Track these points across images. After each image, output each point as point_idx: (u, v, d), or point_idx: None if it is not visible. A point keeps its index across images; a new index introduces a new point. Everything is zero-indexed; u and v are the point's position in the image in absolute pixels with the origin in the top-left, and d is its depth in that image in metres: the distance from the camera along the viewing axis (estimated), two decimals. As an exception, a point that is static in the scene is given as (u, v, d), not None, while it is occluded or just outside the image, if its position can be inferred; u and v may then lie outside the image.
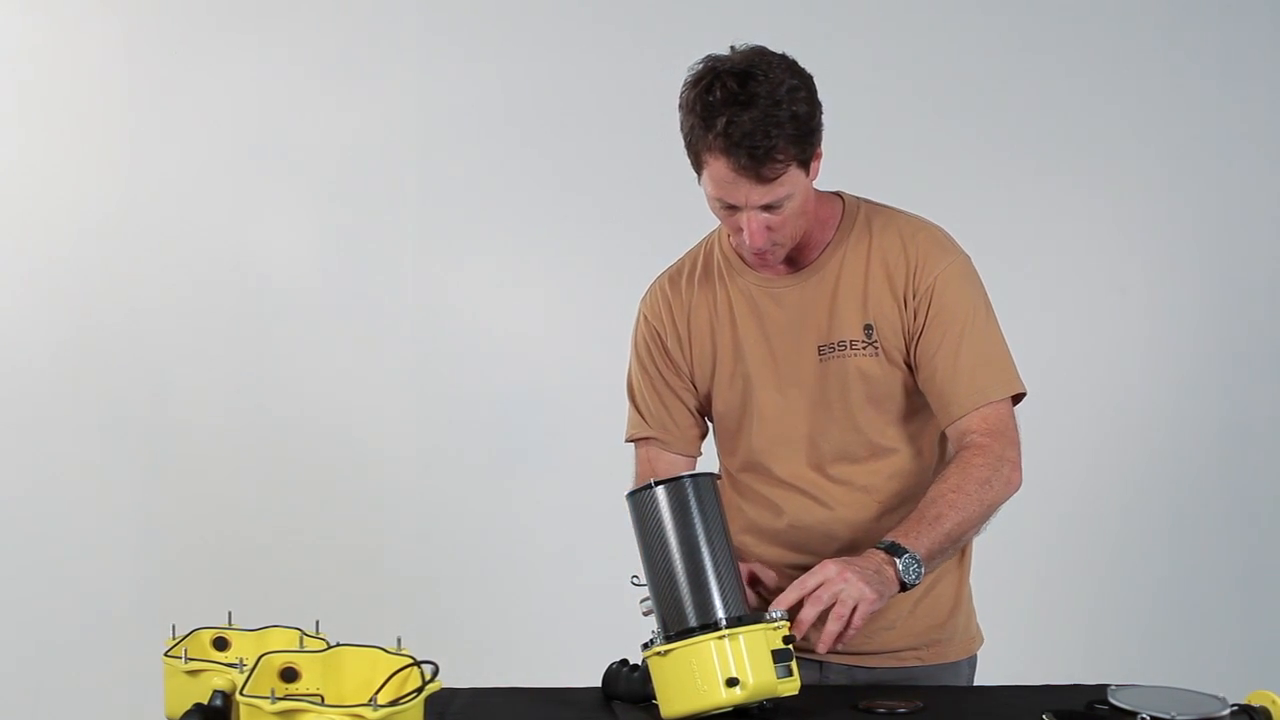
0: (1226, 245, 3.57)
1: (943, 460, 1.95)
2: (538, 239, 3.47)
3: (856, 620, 1.64)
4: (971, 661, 2.02)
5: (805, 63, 3.48)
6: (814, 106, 1.77)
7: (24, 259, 3.41)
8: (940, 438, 1.95)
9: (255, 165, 3.43)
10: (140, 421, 3.42)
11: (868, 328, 1.89)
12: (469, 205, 3.45)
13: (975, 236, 3.53)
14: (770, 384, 1.92)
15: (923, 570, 1.71)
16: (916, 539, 1.73)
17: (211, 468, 3.43)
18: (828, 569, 1.66)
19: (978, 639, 2.05)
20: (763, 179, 1.73)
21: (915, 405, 1.93)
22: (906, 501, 1.89)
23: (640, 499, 1.63)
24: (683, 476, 1.63)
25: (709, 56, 1.77)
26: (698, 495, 1.62)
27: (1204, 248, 3.56)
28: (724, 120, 1.70)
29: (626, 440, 2.06)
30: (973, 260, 2.01)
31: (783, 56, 1.77)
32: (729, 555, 1.62)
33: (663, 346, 2.00)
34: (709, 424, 2.05)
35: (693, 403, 2.01)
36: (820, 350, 1.89)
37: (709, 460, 2.07)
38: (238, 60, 3.42)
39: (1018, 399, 1.89)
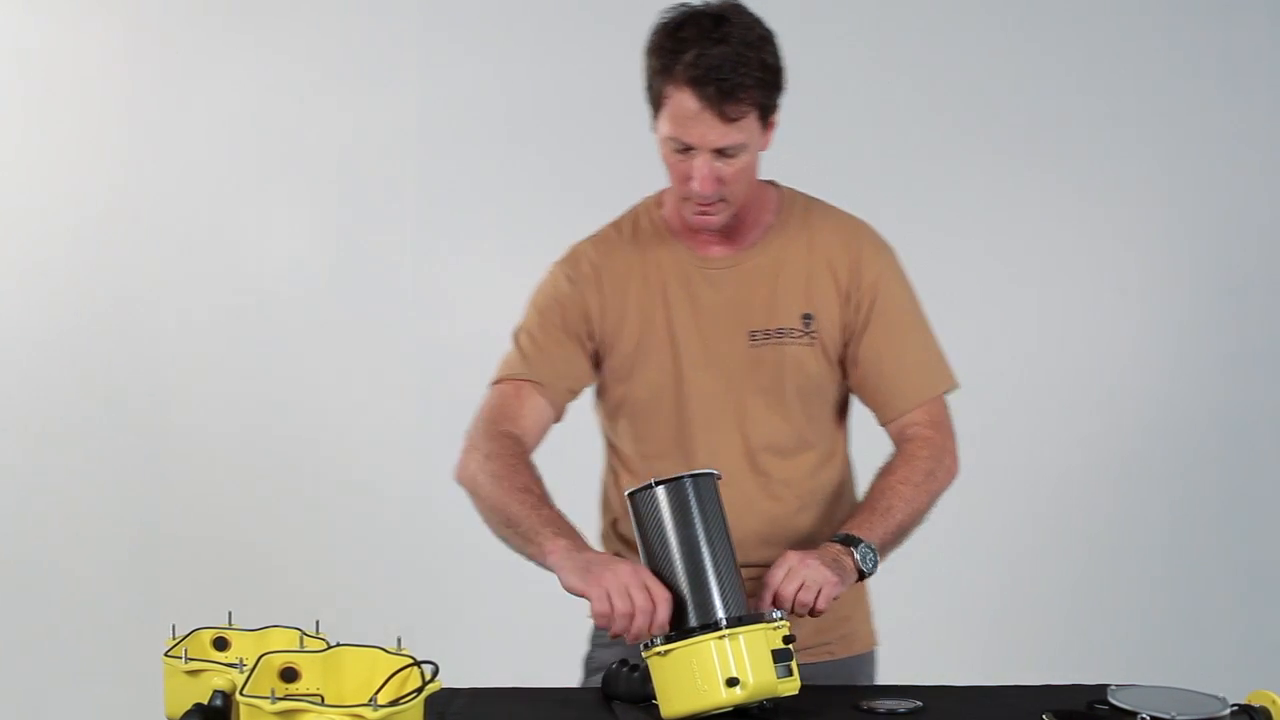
0: (1227, 246, 3.56)
1: (849, 463, 1.99)
2: (538, 239, 3.42)
3: (821, 604, 1.67)
4: (875, 654, 2.04)
5: (807, 63, 3.48)
6: (781, 64, 1.78)
7: (23, 258, 3.41)
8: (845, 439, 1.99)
9: (255, 165, 3.43)
10: (139, 421, 3.42)
11: (806, 317, 1.89)
12: (469, 205, 3.45)
13: (975, 237, 3.57)
14: (700, 366, 1.89)
15: (879, 559, 1.75)
16: (870, 530, 1.76)
17: (211, 467, 3.43)
18: (789, 558, 1.69)
19: (875, 633, 2.06)
20: (725, 117, 1.72)
21: (842, 404, 1.95)
22: (823, 501, 1.92)
23: (640, 499, 1.63)
24: (683, 476, 1.62)
25: (681, 4, 1.78)
26: (698, 495, 1.61)
27: (1204, 249, 3.56)
28: (695, 52, 1.71)
29: (494, 382, 1.94)
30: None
31: (756, 15, 1.79)
32: (729, 555, 1.62)
33: (583, 312, 1.91)
34: (573, 397, 1.95)
35: (584, 366, 1.92)
36: (753, 336, 1.88)
37: (576, 432, 1.98)
38: (237, 60, 3.42)
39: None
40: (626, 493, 1.65)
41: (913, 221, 3.44)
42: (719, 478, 1.66)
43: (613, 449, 2.00)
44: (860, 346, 1.90)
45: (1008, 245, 3.52)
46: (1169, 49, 3.53)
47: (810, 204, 1.96)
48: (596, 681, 1.96)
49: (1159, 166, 3.54)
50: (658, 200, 1.97)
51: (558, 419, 1.92)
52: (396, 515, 3.43)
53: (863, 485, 2.02)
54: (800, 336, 1.88)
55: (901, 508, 1.80)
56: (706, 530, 1.60)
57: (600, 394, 1.97)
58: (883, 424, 1.93)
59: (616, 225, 1.98)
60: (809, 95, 3.40)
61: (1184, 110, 3.53)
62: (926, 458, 1.85)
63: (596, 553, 1.69)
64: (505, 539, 1.79)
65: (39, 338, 3.41)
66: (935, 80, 3.49)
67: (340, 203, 3.45)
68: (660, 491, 1.61)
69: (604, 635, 2.00)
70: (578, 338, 1.91)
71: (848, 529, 1.77)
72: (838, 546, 1.74)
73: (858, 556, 1.73)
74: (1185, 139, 3.53)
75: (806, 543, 1.83)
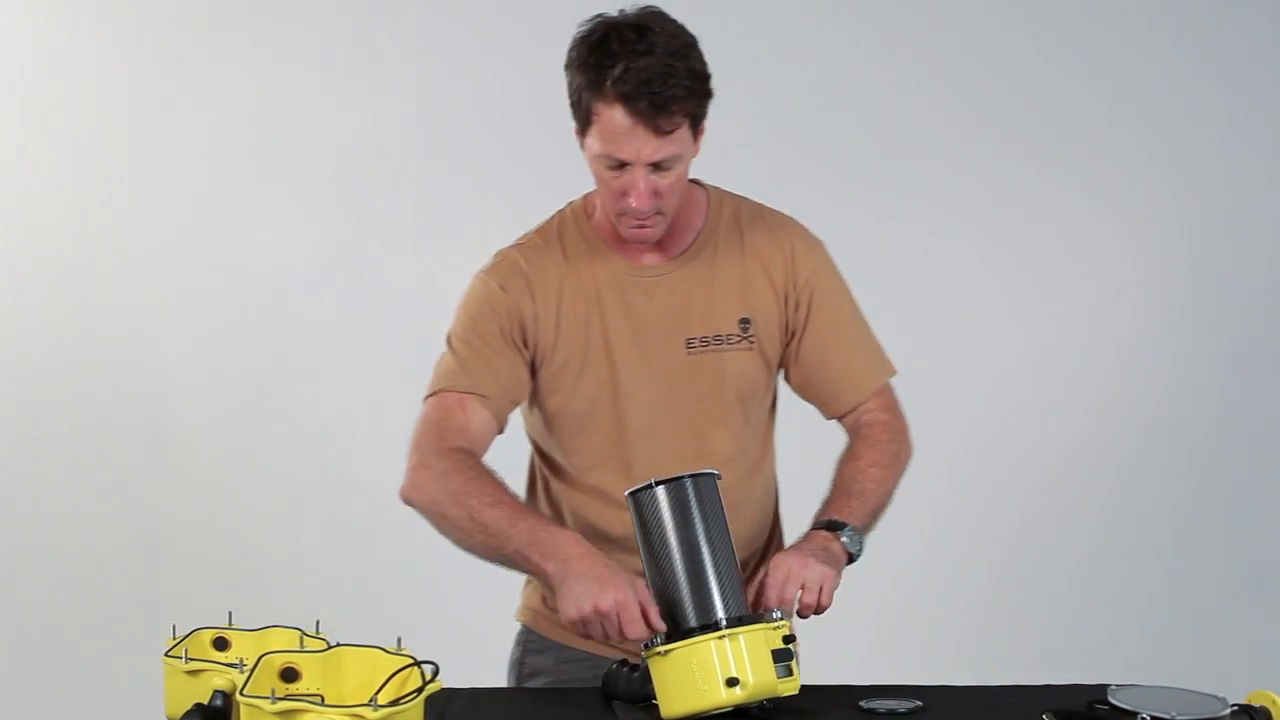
0: (1226, 246, 3.56)
1: (775, 467, 1.99)
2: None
3: (825, 600, 1.68)
4: None
5: (807, 64, 3.49)
6: (708, 70, 1.74)
7: (21, 260, 3.40)
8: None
9: (254, 165, 3.42)
10: (140, 421, 3.42)
11: (744, 321, 1.88)
12: (469, 205, 3.45)
13: (972, 238, 3.56)
14: (637, 376, 1.86)
15: (864, 542, 1.76)
16: (850, 513, 1.77)
17: (211, 467, 3.43)
18: (786, 561, 1.68)
19: None
20: (659, 130, 1.69)
21: (773, 408, 1.96)
22: (756, 506, 1.92)
23: (641, 498, 1.62)
24: (683, 476, 1.62)
25: (598, 15, 1.74)
26: (698, 495, 1.61)
27: (1204, 249, 3.56)
28: (622, 67, 1.67)
29: (431, 394, 1.85)
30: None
31: (678, 22, 1.75)
32: (730, 555, 1.62)
33: (519, 319, 1.85)
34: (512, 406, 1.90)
35: (524, 375, 1.86)
36: (689, 343, 1.86)
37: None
38: (237, 60, 3.41)
39: None
40: (627, 493, 1.64)
41: (913, 221, 3.46)
42: (719, 477, 1.66)
43: (543, 458, 1.96)
44: (803, 344, 1.90)
45: (1005, 246, 3.52)
46: (1169, 49, 3.53)
47: (738, 204, 1.94)
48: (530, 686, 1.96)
49: (1159, 166, 3.54)
50: (585, 207, 1.93)
51: (500, 431, 1.86)
52: (397, 515, 3.40)
53: (784, 488, 2.03)
54: (738, 341, 1.87)
55: (874, 490, 1.82)
56: (707, 530, 1.60)
57: (531, 403, 1.92)
58: (832, 417, 1.94)
59: (542, 233, 1.93)
60: (803, 97, 3.43)
61: (1184, 110, 3.53)
62: (889, 440, 1.88)
63: (589, 565, 1.63)
64: (485, 557, 1.74)
65: (38, 339, 3.40)
66: (934, 80, 3.49)
67: (340, 203, 3.45)
68: (660, 492, 1.61)
69: (535, 640, 1.99)
70: (515, 345, 1.85)
71: (828, 515, 1.77)
72: (823, 534, 1.75)
73: (845, 540, 1.74)
74: (1185, 139, 3.53)
75: (739, 550, 1.79)
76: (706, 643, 1.53)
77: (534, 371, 1.88)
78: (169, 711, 1.56)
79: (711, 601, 1.57)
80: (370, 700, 1.35)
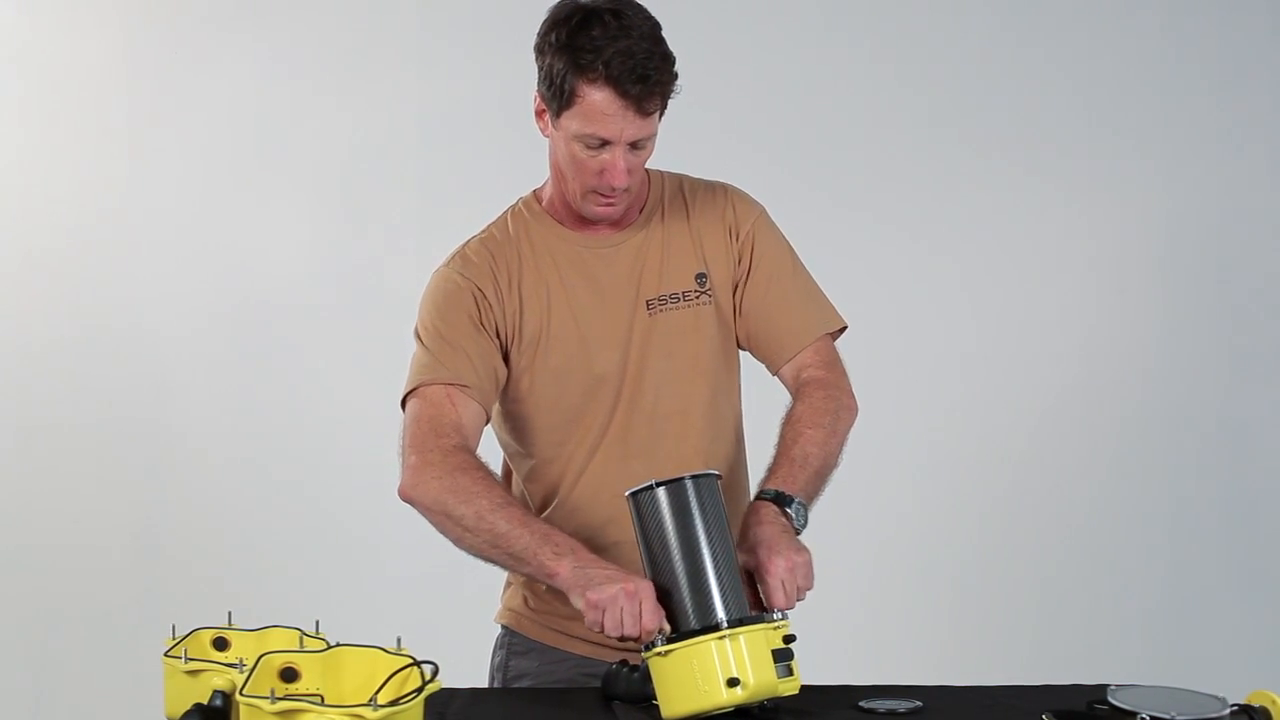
0: (1227, 246, 3.56)
1: (742, 429, 1.99)
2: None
3: (811, 584, 1.67)
4: None
5: (805, 64, 3.48)
6: (672, 53, 1.78)
7: (22, 260, 3.41)
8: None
9: (254, 165, 3.43)
10: (140, 421, 3.42)
11: (700, 276, 1.91)
12: (469, 205, 3.43)
13: (975, 239, 3.55)
14: (604, 343, 1.87)
15: (808, 515, 1.75)
16: (793, 482, 1.77)
17: (211, 467, 3.43)
18: (778, 570, 1.65)
19: None
20: (644, 111, 1.74)
21: (738, 367, 1.97)
22: (726, 470, 1.90)
23: (641, 499, 1.62)
24: (684, 477, 1.62)
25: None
26: (699, 496, 1.61)
27: (1203, 249, 3.56)
28: (613, 50, 1.70)
29: (411, 389, 1.82)
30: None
31: (640, 4, 1.78)
32: (730, 556, 1.61)
33: (486, 304, 1.86)
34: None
35: (499, 359, 1.87)
36: (649, 305, 1.89)
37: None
38: (237, 60, 3.42)
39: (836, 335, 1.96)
40: (627, 493, 1.64)
41: (912, 222, 3.46)
42: (719, 478, 1.66)
43: (515, 442, 1.95)
44: (744, 296, 1.93)
45: (1005, 245, 3.51)
46: (1168, 50, 3.53)
47: (679, 177, 1.99)
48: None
49: (1160, 168, 3.54)
50: (535, 197, 1.99)
51: (488, 420, 1.87)
52: (397, 515, 3.40)
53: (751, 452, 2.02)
54: (697, 296, 1.91)
55: (817, 454, 1.80)
56: (707, 531, 1.60)
57: (503, 397, 1.92)
58: (776, 372, 1.95)
59: (496, 226, 1.97)
60: (800, 96, 3.43)
61: (1183, 109, 3.53)
62: (825, 398, 1.86)
63: (599, 569, 1.64)
64: (484, 554, 1.73)
65: (38, 338, 3.41)
66: (932, 78, 3.49)
67: (340, 202, 3.45)
68: (661, 492, 1.61)
69: (519, 642, 1.98)
70: (485, 331, 1.86)
71: (773, 484, 1.77)
72: (773, 508, 1.74)
73: (792, 514, 1.74)
74: (1186, 138, 3.53)
75: None
76: (707, 643, 1.53)
77: (506, 356, 1.88)
78: (169, 711, 1.56)
79: (712, 602, 1.57)
80: (370, 700, 1.35)
